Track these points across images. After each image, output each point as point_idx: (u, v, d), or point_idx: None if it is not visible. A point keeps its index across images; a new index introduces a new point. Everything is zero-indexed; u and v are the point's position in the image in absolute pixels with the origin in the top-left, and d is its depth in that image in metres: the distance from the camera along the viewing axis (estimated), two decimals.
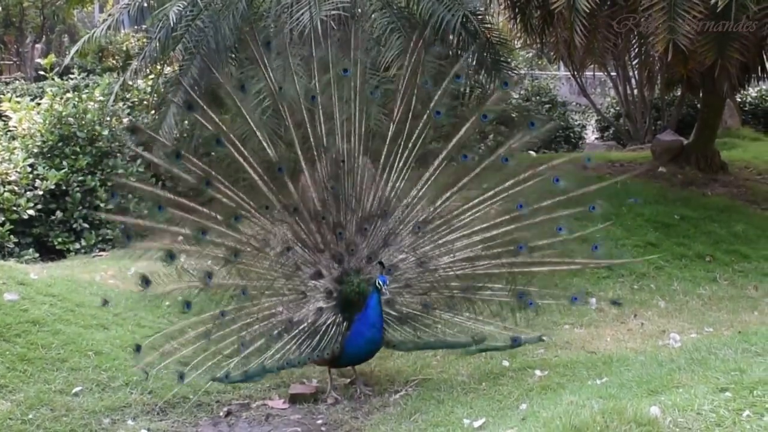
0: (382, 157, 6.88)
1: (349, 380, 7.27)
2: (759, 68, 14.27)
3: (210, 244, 6.74)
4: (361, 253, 6.87)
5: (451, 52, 11.68)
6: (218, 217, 6.72)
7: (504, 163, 6.89)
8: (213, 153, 6.93)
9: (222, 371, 6.56)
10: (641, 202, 11.86)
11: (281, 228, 6.85)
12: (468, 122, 6.92)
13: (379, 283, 6.42)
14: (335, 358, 6.82)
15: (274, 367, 6.68)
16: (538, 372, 6.71)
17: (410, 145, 6.87)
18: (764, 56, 14.03)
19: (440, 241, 6.88)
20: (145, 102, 14.80)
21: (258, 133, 6.77)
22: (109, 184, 11.85)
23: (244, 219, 6.78)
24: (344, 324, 6.77)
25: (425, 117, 6.88)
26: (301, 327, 6.74)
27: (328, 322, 6.78)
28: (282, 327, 6.73)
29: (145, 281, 6.68)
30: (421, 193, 6.89)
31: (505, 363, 7.20)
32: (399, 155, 6.86)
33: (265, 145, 6.77)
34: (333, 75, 6.88)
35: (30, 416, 6.30)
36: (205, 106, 6.81)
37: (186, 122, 11.34)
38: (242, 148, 6.70)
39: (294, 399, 6.90)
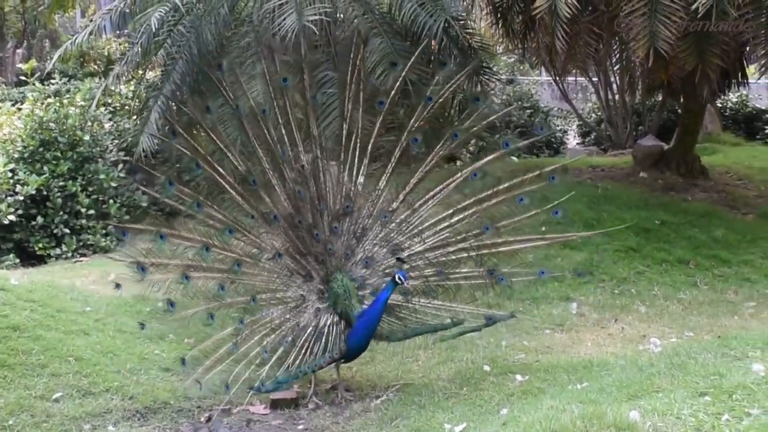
0: (341, 156, 7.04)
1: (330, 385, 7.28)
2: (739, 74, 14.34)
3: (213, 261, 6.95)
4: (339, 251, 7.01)
5: (432, 57, 11.73)
6: (214, 235, 6.98)
7: (455, 138, 7.08)
8: (191, 179, 7.14)
9: (258, 381, 6.69)
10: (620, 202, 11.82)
11: (268, 238, 7.08)
12: (416, 111, 7.02)
13: (400, 278, 6.52)
14: (342, 356, 6.93)
15: (299, 372, 6.80)
16: (518, 377, 6.72)
17: (364, 140, 7.03)
18: (744, 62, 14.13)
19: (409, 230, 7.03)
20: (126, 107, 14.73)
21: (228, 153, 7.01)
22: (90, 189, 11.84)
23: (236, 234, 7.02)
24: (342, 322, 6.89)
25: (373, 110, 7.06)
26: (308, 331, 6.90)
27: (328, 322, 6.94)
28: (293, 333, 6.89)
29: (170, 304, 6.91)
30: (382, 186, 7.06)
31: (486, 368, 7.20)
32: (355, 152, 7.03)
33: (235, 163, 7.00)
34: (278, 85, 7.04)
35: (10, 422, 6.28)
36: (183, 133, 7.12)
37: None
38: (219, 168, 6.96)
39: (275, 404, 6.91)
